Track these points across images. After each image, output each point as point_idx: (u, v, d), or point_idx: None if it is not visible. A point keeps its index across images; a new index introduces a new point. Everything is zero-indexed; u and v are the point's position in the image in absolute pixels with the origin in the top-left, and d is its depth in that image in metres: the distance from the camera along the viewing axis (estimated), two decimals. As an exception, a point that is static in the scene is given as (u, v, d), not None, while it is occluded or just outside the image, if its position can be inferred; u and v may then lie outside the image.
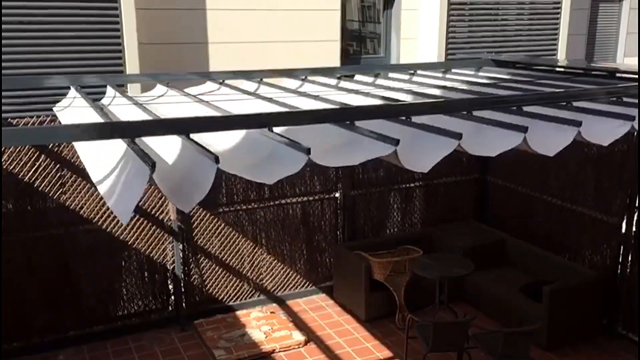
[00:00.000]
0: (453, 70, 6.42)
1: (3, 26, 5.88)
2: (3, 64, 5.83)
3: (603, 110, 4.17)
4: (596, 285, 6.14)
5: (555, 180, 6.83)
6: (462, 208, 7.85)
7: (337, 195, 7.15)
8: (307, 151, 3.00)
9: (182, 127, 3.06)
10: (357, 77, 5.93)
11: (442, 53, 8.58)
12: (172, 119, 3.48)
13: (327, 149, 3.39)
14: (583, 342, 6.05)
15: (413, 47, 8.57)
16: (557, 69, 6.51)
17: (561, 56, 9.16)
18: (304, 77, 5.82)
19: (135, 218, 6.16)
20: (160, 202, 6.27)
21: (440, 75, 6.07)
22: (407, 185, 7.54)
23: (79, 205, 5.89)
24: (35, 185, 5.70)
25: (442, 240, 7.20)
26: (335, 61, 7.98)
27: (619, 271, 6.13)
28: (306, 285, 7.17)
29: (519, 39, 9.08)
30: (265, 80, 5.42)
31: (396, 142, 3.19)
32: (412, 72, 6.10)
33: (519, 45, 9.07)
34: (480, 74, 6.17)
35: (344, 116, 3.56)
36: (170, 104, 4.48)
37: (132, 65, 6.49)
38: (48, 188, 5.75)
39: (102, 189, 2.99)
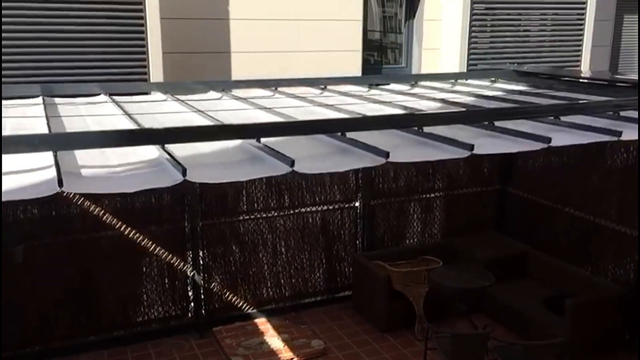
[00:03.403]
0: (474, 82, 6.42)
1: (38, 35, 6.04)
2: (40, 71, 6.00)
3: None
4: (619, 299, 6.02)
5: (578, 192, 6.74)
6: (482, 219, 7.78)
7: (356, 204, 7.15)
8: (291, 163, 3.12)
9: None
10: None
11: (464, 63, 8.55)
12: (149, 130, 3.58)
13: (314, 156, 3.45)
14: (604, 358, 5.92)
15: (435, 58, 8.56)
16: (580, 80, 6.46)
17: (585, 67, 9.05)
18: (323, 87, 5.90)
19: (156, 225, 6.23)
20: (180, 209, 6.34)
21: (449, 86, 6.10)
22: (428, 195, 7.51)
23: (102, 212, 5.97)
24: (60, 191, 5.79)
25: (463, 251, 7.14)
26: (357, 71, 8.01)
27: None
28: (325, 294, 7.16)
29: (541, 50, 9.01)
30: (281, 89, 5.50)
31: (386, 154, 3.24)
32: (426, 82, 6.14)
33: (541, 56, 8.99)
34: (497, 85, 6.16)
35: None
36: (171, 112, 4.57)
37: (156, 73, 6.59)
38: (72, 194, 5.84)
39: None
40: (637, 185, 5.77)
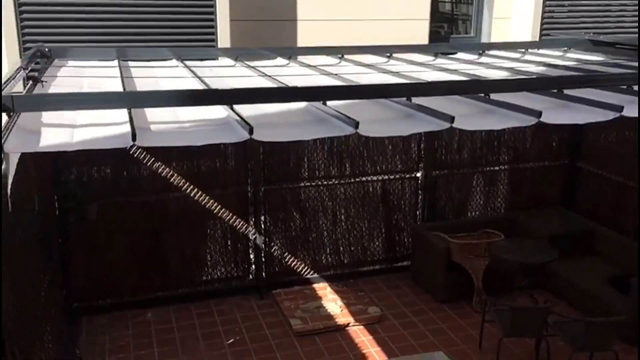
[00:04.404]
0: (546, 52, 6.21)
1: (114, 1, 6.26)
2: (115, 37, 6.23)
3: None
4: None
5: (652, 168, 6.45)
6: (549, 194, 7.58)
7: (418, 175, 7.10)
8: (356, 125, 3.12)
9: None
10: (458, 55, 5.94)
11: (537, 33, 8.25)
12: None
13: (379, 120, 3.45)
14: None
15: (505, 27, 8.29)
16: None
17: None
18: (389, 55, 5.85)
19: (221, 189, 6.41)
20: (243, 174, 6.49)
21: (519, 55, 5.91)
22: (492, 168, 7.37)
23: (170, 174, 6.19)
24: (131, 153, 6.03)
25: (526, 226, 6.99)
26: (423, 41, 7.87)
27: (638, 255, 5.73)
28: (383, 263, 7.20)
29: (622, 20, 8.56)
30: (347, 56, 5.49)
31: (451, 119, 3.20)
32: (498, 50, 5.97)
33: (622, 27, 8.55)
34: (570, 55, 5.92)
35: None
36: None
37: (223, 40, 6.71)
38: (143, 156, 6.08)
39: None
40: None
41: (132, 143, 2.80)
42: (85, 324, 6.06)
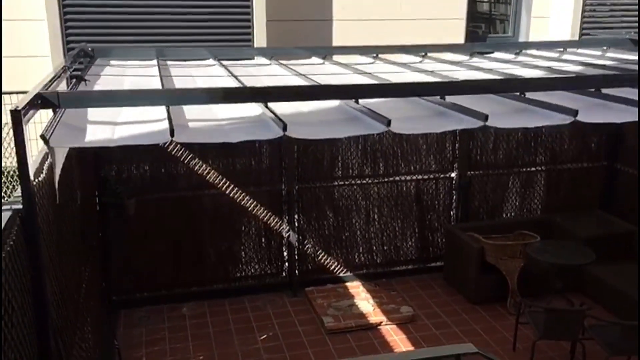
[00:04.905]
0: (584, 51, 6.12)
1: (154, 2, 6.43)
2: (155, 37, 6.39)
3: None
4: None
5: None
6: (587, 196, 7.44)
7: (452, 175, 7.07)
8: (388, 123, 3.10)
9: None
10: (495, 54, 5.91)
11: (576, 32, 8.14)
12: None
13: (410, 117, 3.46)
14: None
15: (544, 26, 8.19)
16: None
17: None
18: (423, 54, 5.85)
19: (255, 187, 6.50)
20: (277, 172, 6.57)
21: (556, 55, 5.84)
22: (528, 169, 7.28)
23: (206, 171, 6.31)
24: (169, 151, 6.18)
25: (563, 229, 6.88)
26: (460, 40, 7.85)
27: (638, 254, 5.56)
28: (416, 263, 7.19)
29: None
30: (382, 55, 5.49)
31: (485, 117, 3.19)
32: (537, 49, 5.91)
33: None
34: (609, 54, 5.82)
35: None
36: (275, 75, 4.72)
37: (260, 40, 6.82)
38: (180, 153, 6.21)
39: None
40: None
41: (170, 139, 2.89)
42: (123, 316, 6.23)
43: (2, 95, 5.29)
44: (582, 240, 6.42)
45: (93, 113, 3.31)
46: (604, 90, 3.88)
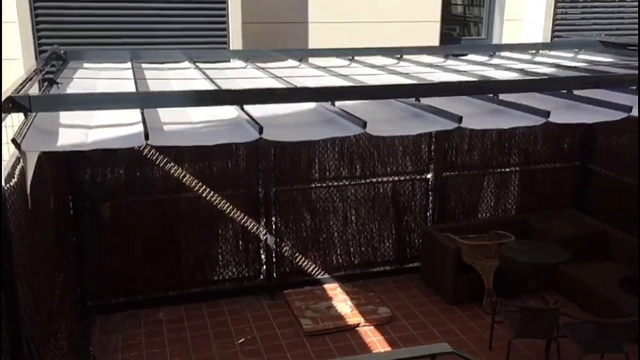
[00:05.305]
0: (556, 53, 6.22)
1: (127, 4, 6.36)
2: (128, 39, 6.32)
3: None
4: None
5: (664, 170, 6.42)
6: (560, 196, 7.56)
7: (428, 176, 7.12)
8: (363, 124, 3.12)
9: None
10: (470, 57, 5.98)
11: (548, 35, 8.24)
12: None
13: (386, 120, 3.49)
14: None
15: (516, 29, 8.29)
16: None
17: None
18: (399, 57, 5.89)
19: (232, 190, 6.47)
20: (254, 175, 6.55)
21: (529, 57, 5.93)
22: (503, 170, 7.38)
23: (182, 175, 6.26)
24: (144, 154, 6.12)
25: (537, 228, 6.98)
26: (434, 43, 7.89)
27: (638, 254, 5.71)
28: (394, 264, 7.23)
29: (636, 21, 8.52)
30: (358, 58, 5.52)
31: (459, 118, 3.23)
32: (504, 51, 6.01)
33: (636, 28, 8.51)
34: (581, 56, 5.92)
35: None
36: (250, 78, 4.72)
37: (235, 42, 6.78)
38: (155, 156, 6.16)
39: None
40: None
41: (144, 142, 2.86)
42: (99, 322, 6.15)
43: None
44: (556, 240, 6.52)
45: (65, 116, 3.26)
46: (576, 92, 3.95)
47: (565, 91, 3.97)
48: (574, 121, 3.65)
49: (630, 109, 3.57)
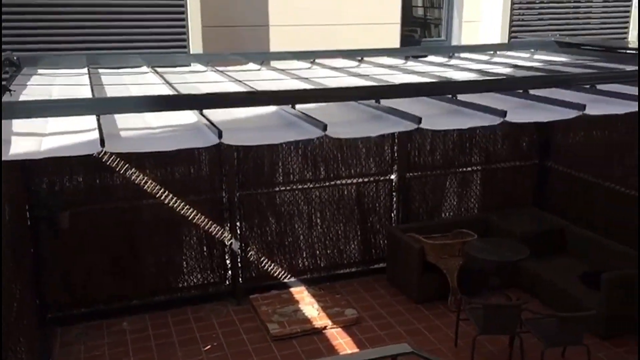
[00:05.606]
0: (513, 53, 6.33)
1: (83, 9, 6.23)
2: (85, 45, 6.20)
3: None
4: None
5: (618, 166, 6.61)
6: (520, 194, 7.71)
7: (392, 177, 7.17)
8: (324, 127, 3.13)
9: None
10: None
11: (506, 36, 8.41)
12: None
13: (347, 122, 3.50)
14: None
15: (475, 30, 8.43)
16: (626, 52, 6.30)
17: (632, 38, 8.79)
18: (360, 59, 5.92)
19: (195, 195, 6.40)
20: (218, 180, 6.49)
21: (487, 58, 6.04)
22: (465, 169, 7.48)
23: (143, 181, 6.16)
24: (103, 161, 6.00)
25: (499, 226, 7.10)
26: (395, 45, 7.96)
27: (638, 254, 5.89)
28: (359, 265, 7.25)
29: (589, 22, 8.77)
30: (319, 60, 5.53)
31: (418, 119, 3.26)
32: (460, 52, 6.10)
33: (589, 29, 8.76)
34: (537, 56, 6.06)
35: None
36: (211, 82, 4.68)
37: (196, 46, 6.72)
38: (115, 163, 6.04)
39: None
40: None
41: (100, 149, 2.80)
42: (60, 334, 6.00)
43: None
44: (517, 237, 6.65)
45: (19, 124, 3.16)
46: (532, 91, 4.03)
47: (521, 91, 4.04)
48: (529, 120, 3.72)
49: (583, 107, 3.66)
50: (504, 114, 3.51)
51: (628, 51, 6.25)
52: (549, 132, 7.45)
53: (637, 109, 3.82)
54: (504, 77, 4.67)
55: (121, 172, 6.04)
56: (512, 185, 7.67)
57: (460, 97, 3.91)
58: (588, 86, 4.15)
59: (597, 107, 3.79)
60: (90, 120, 3.17)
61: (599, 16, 8.81)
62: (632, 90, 4.09)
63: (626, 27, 8.93)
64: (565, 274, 6.38)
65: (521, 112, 3.74)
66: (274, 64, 5.79)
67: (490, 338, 5.65)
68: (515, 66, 5.34)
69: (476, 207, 7.63)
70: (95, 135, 2.94)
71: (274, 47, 7.33)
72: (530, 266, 6.49)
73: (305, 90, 4.00)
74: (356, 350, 5.74)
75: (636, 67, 4.70)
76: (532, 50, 6.44)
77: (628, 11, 8.86)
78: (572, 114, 3.64)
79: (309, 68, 5.62)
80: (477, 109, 3.70)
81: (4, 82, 4.02)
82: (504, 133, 7.42)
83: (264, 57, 5.98)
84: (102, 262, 6.23)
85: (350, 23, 7.61)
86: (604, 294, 5.72)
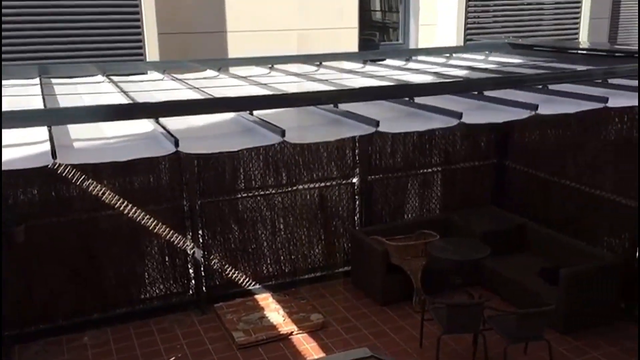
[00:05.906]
0: (469, 56, 6.44)
1: (34, 18, 6.08)
2: (37, 54, 6.04)
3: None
4: (614, 268, 6.09)
5: (573, 164, 6.78)
6: (480, 193, 7.84)
7: (354, 180, 7.20)
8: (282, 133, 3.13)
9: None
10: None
11: (461, 38, 8.55)
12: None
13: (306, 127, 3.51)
14: (600, 326, 6.01)
15: (431, 33, 8.55)
16: (577, 52, 6.49)
17: (583, 39, 9.05)
18: (318, 63, 5.93)
19: (155, 204, 6.30)
20: (178, 188, 6.41)
21: (444, 60, 6.14)
22: (425, 170, 7.56)
23: (101, 192, 6.04)
24: (59, 172, 5.86)
25: (461, 226, 7.20)
26: (353, 49, 8.01)
27: (638, 254, 6.08)
28: (324, 269, 7.25)
29: (541, 23, 9.00)
30: (277, 66, 5.52)
31: (376, 123, 3.29)
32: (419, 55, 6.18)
33: (540, 29, 8.99)
34: (492, 58, 6.18)
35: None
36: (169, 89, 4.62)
37: (152, 54, 6.62)
38: (71, 174, 5.91)
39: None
40: (637, 155, 5.78)
41: (52, 161, 2.73)
42: (18, 351, 5.82)
43: None
44: (478, 236, 6.75)
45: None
46: (486, 93, 4.10)
47: (476, 92, 4.11)
48: (484, 121, 3.78)
49: (536, 107, 3.74)
50: (460, 115, 3.57)
51: (579, 52, 6.43)
52: (505, 131, 7.60)
53: (587, 108, 3.93)
54: (460, 79, 4.74)
55: (77, 183, 5.91)
56: (471, 185, 7.79)
57: (418, 99, 3.96)
58: (540, 86, 4.26)
59: (549, 106, 3.88)
60: (42, 132, 3.09)
61: (550, 18, 9.05)
62: (583, 89, 4.20)
63: (577, 28, 9.19)
64: (524, 271, 6.51)
65: (476, 113, 3.80)
66: (233, 70, 5.76)
67: (454, 337, 5.72)
68: (471, 68, 5.43)
69: (438, 207, 7.72)
70: (47, 147, 2.87)
71: (232, 53, 7.29)
72: (491, 264, 6.60)
73: (263, 96, 3.99)
74: (322, 355, 5.73)
75: (587, 67, 4.85)
76: (487, 52, 6.57)
77: (578, 13, 9.13)
78: (525, 114, 3.72)
79: (268, 74, 5.60)
80: (434, 112, 3.75)
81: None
82: (462, 134, 7.53)
83: (222, 64, 5.94)
84: (61, 275, 6.07)
85: (308, 28, 7.62)
86: (562, 289, 5.86)
